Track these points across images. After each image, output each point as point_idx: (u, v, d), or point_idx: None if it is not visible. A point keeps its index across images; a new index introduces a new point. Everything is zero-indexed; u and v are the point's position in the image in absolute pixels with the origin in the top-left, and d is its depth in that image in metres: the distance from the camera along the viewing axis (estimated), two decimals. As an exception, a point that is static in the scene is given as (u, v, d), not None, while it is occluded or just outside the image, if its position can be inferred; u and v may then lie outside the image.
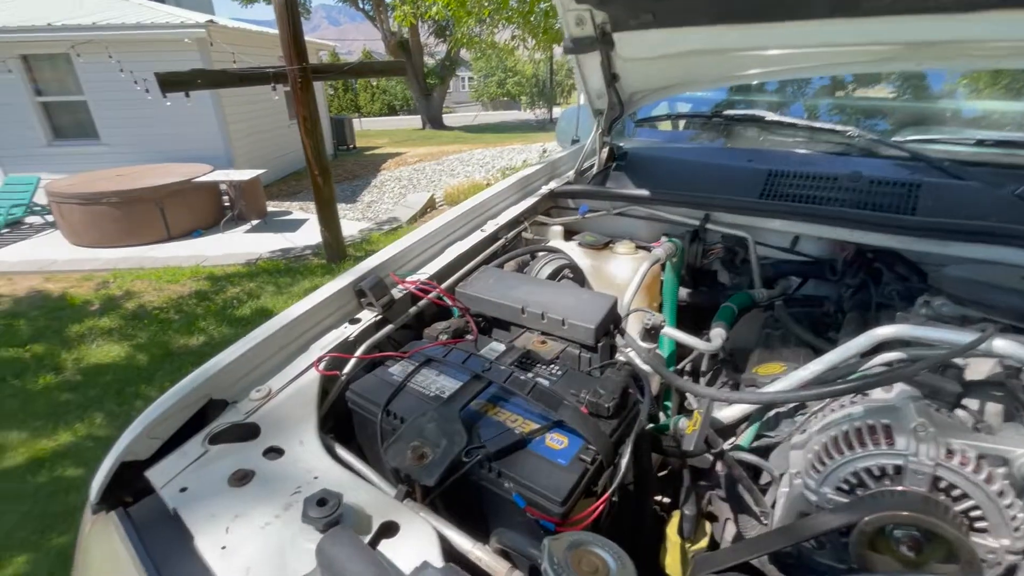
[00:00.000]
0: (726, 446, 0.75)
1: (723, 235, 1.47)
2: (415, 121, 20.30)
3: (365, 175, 10.76)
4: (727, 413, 0.88)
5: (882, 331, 0.82)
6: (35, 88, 8.90)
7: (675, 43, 1.37)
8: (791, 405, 0.84)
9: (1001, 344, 0.69)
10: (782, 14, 1.15)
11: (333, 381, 0.86)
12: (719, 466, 0.85)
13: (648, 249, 1.54)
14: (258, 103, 9.57)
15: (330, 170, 5.51)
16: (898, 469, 0.59)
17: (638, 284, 1.22)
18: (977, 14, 0.97)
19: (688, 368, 1.38)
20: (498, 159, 11.91)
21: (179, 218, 6.81)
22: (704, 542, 0.83)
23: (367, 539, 0.59)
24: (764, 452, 0.88)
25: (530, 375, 0.84)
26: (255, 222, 7.23)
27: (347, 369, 0.88)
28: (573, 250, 1.49)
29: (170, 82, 4.62)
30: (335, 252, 5.69)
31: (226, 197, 7.32)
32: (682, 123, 2.23)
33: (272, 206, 8.14)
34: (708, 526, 0.86)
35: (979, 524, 0.58)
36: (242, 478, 0.67)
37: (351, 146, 13.67)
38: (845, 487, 0.63)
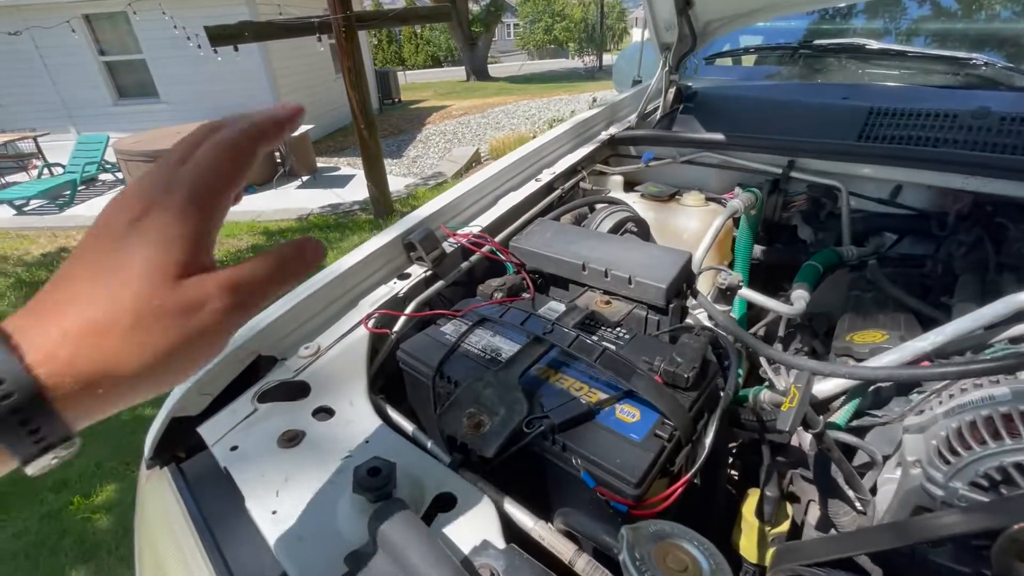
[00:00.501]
0: (825, 427, 0.65)
1: (809, 185, 1.29)
2: (459, 73, 19.80)
3: (410, 130, 10.67)
4: (822, 387, 0.77)
5: (1027, 297, 0.68)
6: (99, 48, 9.23)
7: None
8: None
9: None
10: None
11: (383, 339, 0.82)
12: (808, 446, 0.75)
13: (719, 201, 1.39)
14: (304, 57, 9.56)
15: (376, 124, 5.45)
16: (1063, 467, 0.48)
17: (712, 239, 1.09)
18: None
19: (761, 333, 1.26)
20: (544, 111, 11.49)
21: (235, 175, 7.00)
22: (785, 525, 0.75)
23: (422, 511, 0.54)
24: (861, 431, 0.77)
25: (595, 338, 0.76)
26: (305, 178, 7.36)
27: (397, 327, 0.83)
28: (635, 202, 1.37)
29: (218, 36, 4.62)
30: (382, 208, 5.71)
31: (277, 153, 7.44)
32: (752, 60, 1.98)
33: (321, 162, 8.25)
34: (789, 508, 0.78)
35: None
36: (292, 439, 0.64)
37: (396, 100, 13.54)
38: (984, 483, 0.53)
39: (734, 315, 1.19)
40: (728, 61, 1.84)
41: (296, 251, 0.38)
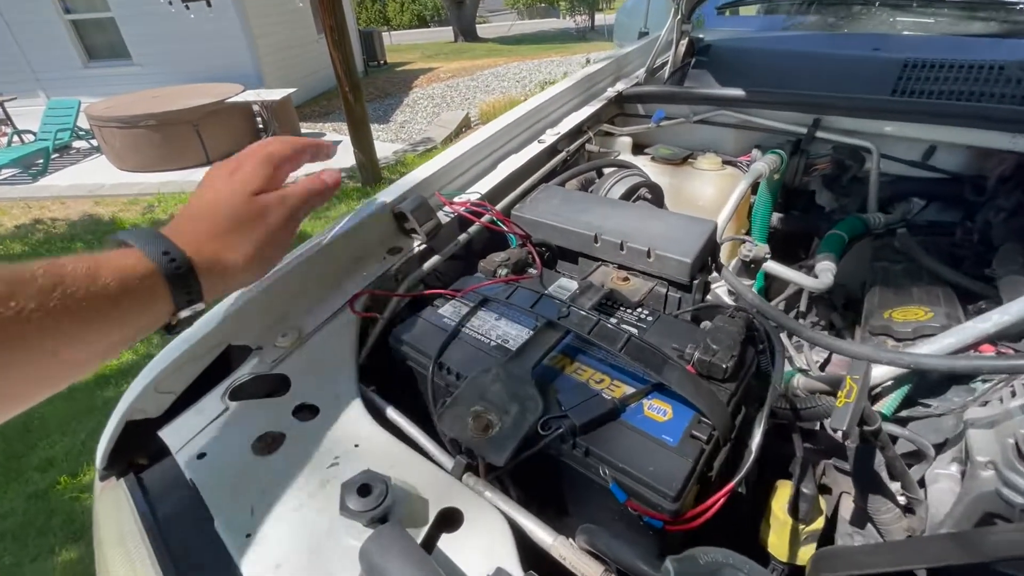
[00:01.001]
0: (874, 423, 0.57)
1: (834, 146, 1.19)
2: (447, 33, 19.03)
3: (397, 93, 10.28)
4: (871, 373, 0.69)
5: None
6: (64, 7, 8.68)
7: None
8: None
9: None
10: None
11: (372, 323, 0.72)
12: (851, 437, 0.67)
13: (735, 164, 1.28)
14: (284, 15, 9.08)
15: (361, 87, 5.20)
16: None
17: (735, 206, 0.99)
18: None
19: (781, 307, 1.18)
20: (535, 73, 11.11)
21: (216, 141, 6.72)
22: (820, 522, 0.68)
23: (422, 534, 0.46)
24: (904, 420, 0.70)
25: (614, 322, 0.67)
26: (289, 144, 7.07)
27: (388, 310, 0.73)
28: (645, 165, 1.26)
29: (189, -11, 4.30)
30: (369, 175, 5.52)
31: (259, 119, 7.14)
32: (768, 8, 1.83)
33: (305, 128, 7.94)
34: (823, 503, 0.71)
35: None
36: (269, 444, 0.55)
37: (382, 62, 13.01)
38: (1081, 493, 0.45)
39: (754, 288, 1.10)
40: (741, 11, 1.69)
41: (319, 180, 0.60)
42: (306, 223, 4.99)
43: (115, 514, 0.52)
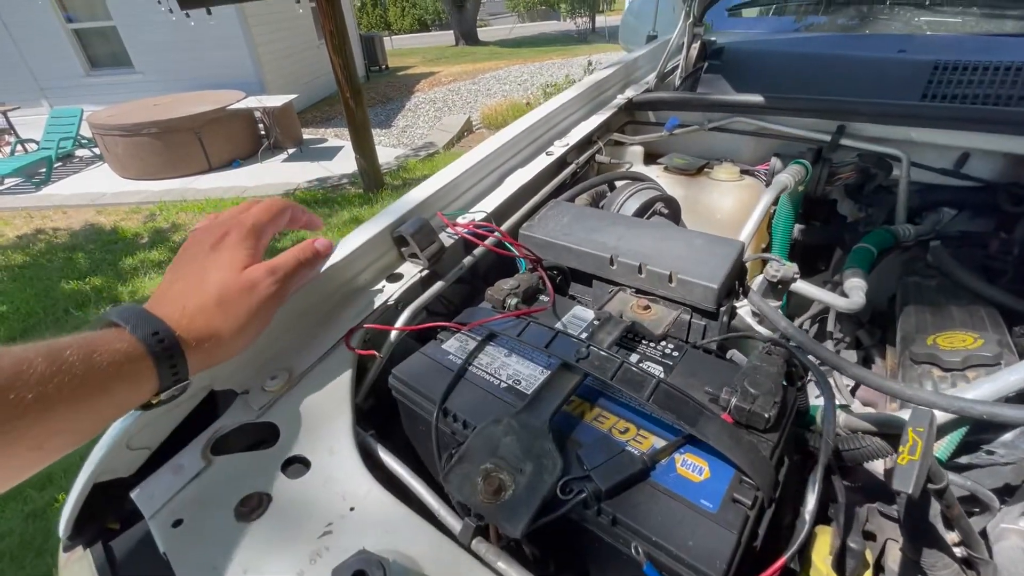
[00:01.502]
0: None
1: (859, 154, 1.12)
2: (448, 37, 19.04)
3: (398, 97, 10.27)
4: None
5: None
6: (66, 16, 8.71)
7: None
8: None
9: None
10: None
11: (371, 359, 0.66)
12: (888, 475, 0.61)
13: (753, 173, 1.22)
14: (285, 22, 9.08)
15: (362, 92, 5.16)
16: None
17: (759, 221, 0.93)
18: None
19: (806, 327, 1.11)
20: (537, 76, 11.08)
21: (218, 148, 6.71)
22: (867, 575, 0.62)
23: (427, 626, 0.39)
24: (962, 466, 0.63)
25: (635, 358, 0.61)
26: (291, 150, 7.06)
27: (387, 347, 0.67)
28: (658, 176, 1.20)
29: (188, -3, 4.28)
30: (372, 180, 5.47)
31: (261, 125, 7.12)
32: (782, 9, 1.77)
33: (307, 133, 7.92)
34: (869, 554, 0.64)
35: None
36: (254, 508, 0.49)
37: (383, 66, 13.01)
38: None
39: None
40: (755, 12, 1.63)
41: (310, 247, 0.60)
42: (317, 234, 4.99)
43: (80, 593, 0.46)
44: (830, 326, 1.07)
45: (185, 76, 8.58)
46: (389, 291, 0.72)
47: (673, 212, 1.01)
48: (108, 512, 0.52)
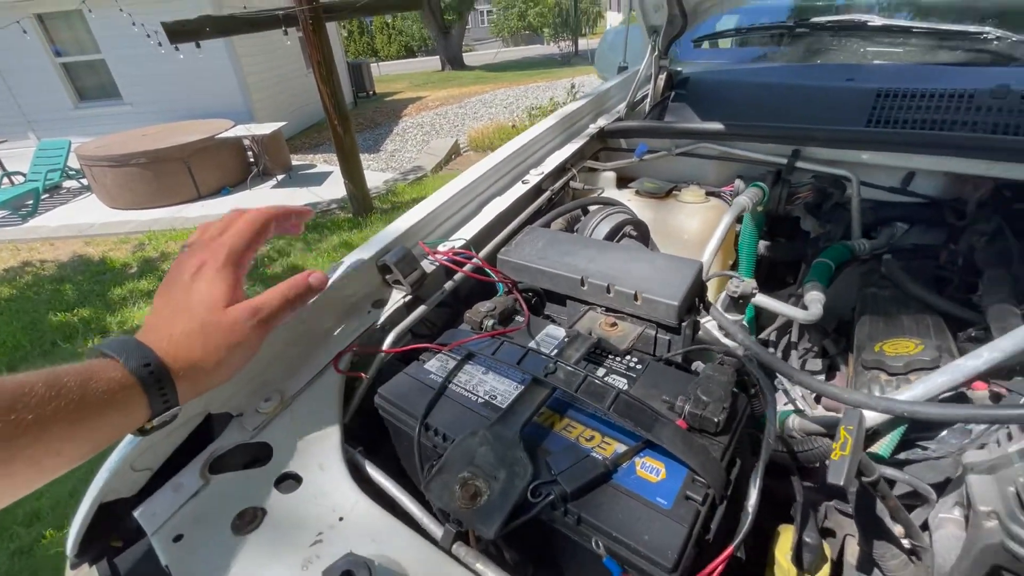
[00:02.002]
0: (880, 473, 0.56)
1: (815, 175, 1.21)
2: (434, 62, 19.43)
3: (386, 122, 10.43)
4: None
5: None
6: (54, 49, 8.80)
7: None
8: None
9: None
10: None
11: (358, 381, 0.71)
12: (852, 485, 0.66)
13: (718, 195, 1.29)
14: (273, 52, 9.24)
15: (350, 118, 5.26)
16: None
17: (719, 241, 1.00)
18: None
19: (772, 338, 1.18)
20: (522, 98, 11.32)
21: (207, 176, 6.76)
22: (825, 570, 0.66)
23: (410, 620, 0.44)
24: (902, 462, 0.69)
25: (602, 371, 0.66)
26: (280, 177, 7.13)
27: (373, 367, 0.72)
28: (630, 200, 1.27)
29: (178, 32, 4.38)
30: (361, 205, 5.54)
31: (250, 153, 7.19)
32: (742, 41, 1.88)
33: (296, 159, 8.01)
34: (828, 549, 0.69)
35: None
36: (250, 521, 0.53)
37: (370, 92, 13.22)
38: (1087, 547, 0.44)
39: (744, 321, 1.10)
40: (717, 44, 1.74)
41: (302, 282, 0.61)
42: (306, 257, 4.97)
43: (87, 607, 0.50)
44: (795, 336, 1.13)
45: (174, 107, 8.67)
46: (375, 315, 0.77)
47: (642, 234, 1.07)
48: (112, 530, 0.56)
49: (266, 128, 7.00)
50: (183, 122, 7.88)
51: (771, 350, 1.10)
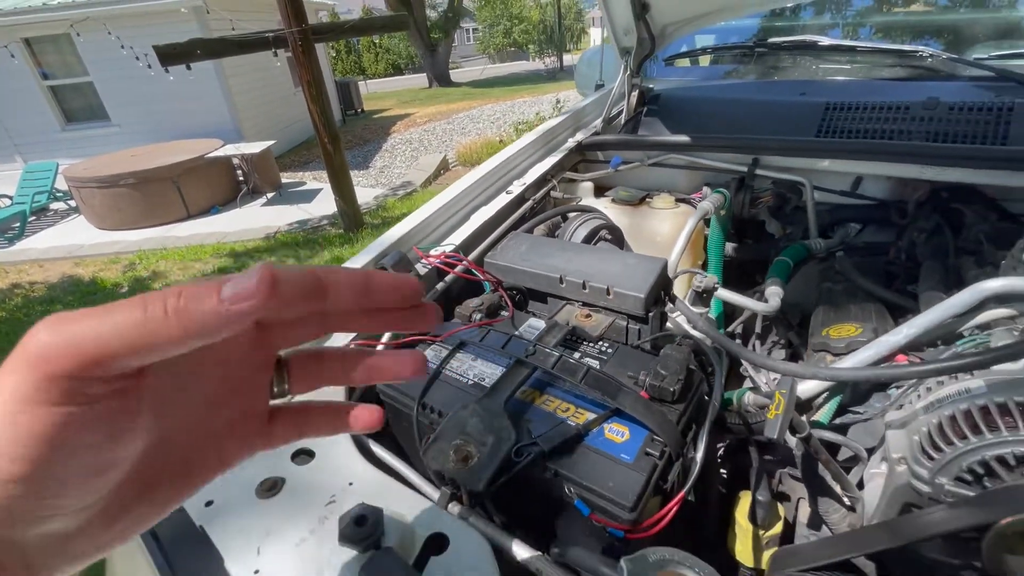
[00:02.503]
0: (811, 429, 0.66)
1: (774, 181, 1.32)
2: (421, 80, 19.68)
3: (375, 139, 10.55)
4: (803, 387, 0.78)
5: (992, 284, 0.70)
6: (41, 72, 8.83)
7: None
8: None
9: None
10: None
11: (361, 371, 0.79)
12: (795, 445, 0.75)
13: (689, 201, 1.40)
14: (262, 72, 9.35)
15: (339, 136, 5.36)
16: (1042, 458, 0.49)
17: (685, 243, 1.10)
18: None
19: (739, 330, 1.28)
20: (509, 114, 11.52)
21: (196, 195, 6.81)
22: (778, 527, 0.75)
23: (413, 558, 0.52)
24: (844, 427, 0.78)
25: (578, 355, 0.76)
26: (270, 195, 7.19)
27: (375, 357, 0.80)
28: (607, 207, 1.37)
29: (169, 55, 4.47)
30: (352, 221, 5.62)
31: (240, 171, 7.26)
32: (709, 60, 2.02)
33: (286, 177, 8.07)
34: (781, 509, 0.78)
35: None
36: (271, 488, 0.61)
37: (359, 110, 13.37)
38: (969, 478, 0.53)
39: (712, 315, 1.19)
40: (687, 62, 1.87)
41: None
42: None
43: (130, 563, 0.57)
44: (758, 328, 1.23)
45: (163, 127, 8.72)
46: (374, 314, 0.86)
47: (616, 238, 1.17)
48: (148, 502, 0.63)
49: (255, 147, 7.08)
50: (171, 142, 7.93)
51: (737, 341, 1.20)
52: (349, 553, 0.51)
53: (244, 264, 5.24)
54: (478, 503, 0.62)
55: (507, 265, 0.96)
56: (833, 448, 0.77)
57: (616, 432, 0.62)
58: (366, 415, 0.35)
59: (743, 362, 1.06)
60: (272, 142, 7.32)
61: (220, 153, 6.94)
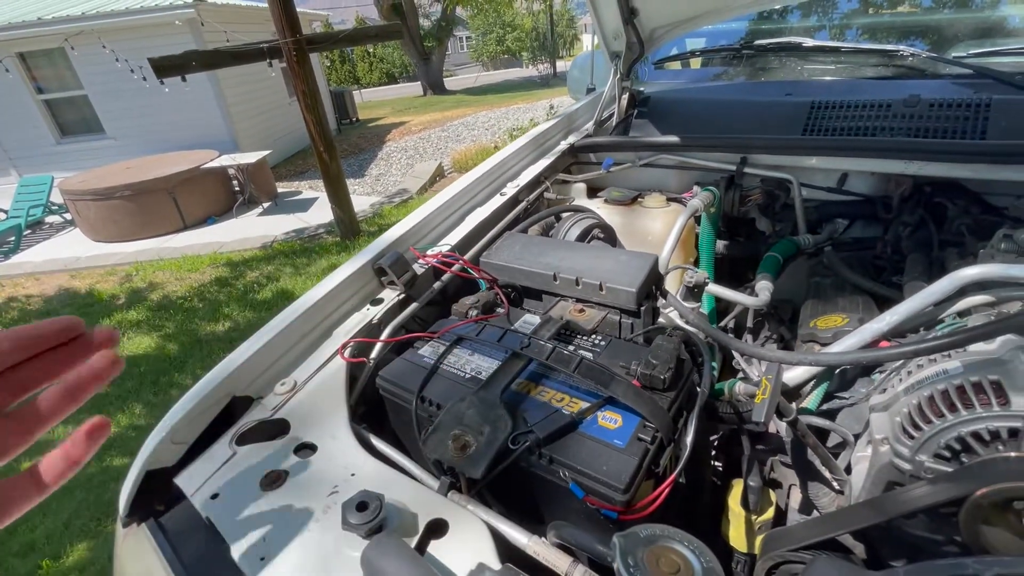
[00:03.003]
0: (798, 414, 0.68)
1: (762, 179, 1.35)
2: (416, 88, 19.79)
3: (370, 148, 10.59)
4: (791, 375, 0.80)
5: (969, 272, 0.72)
6: (36, 86, 8.85)
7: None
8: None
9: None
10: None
11: (361, 368, 0.81)
12: (784, 432, 0.78)
13: (680, 200, 1.43)
14: (257, 82, 9.39)
15: (335, 145, 5.40)
16: (1014, 432, 0.52)
17: (676, 240, 1.12)
18: None
19: (731, 325, 1.30)
20: (503, 120, 11.58)
21: (192, 206, 6.82)
22: (770, 512, 0.77)
23: (414, 542, 0.54)
24: (832, 413, 0.80)
25: (572, 348, 0.78)
26: (266, 204, 7.21)
27: (374, 354, 0.82)
28: (599, 207, 1.40)
29: (164, 67, 4.50)
30: (348, 229, 5.64)
31: (235, 182, 7.28)
32: (699, 62, 2.06)
33: (281, 187, 8.10)
34: (773, 495, 0.80)
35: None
36: (275, 480, 0.62)
37: (354, 119, 13.42)
38: (947, 454, 0.56)
39: (704, 310, 1.22)
40: (676, 65, 1.90)
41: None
42: (295, 281, 5.03)
43: (139, 556, 0.59)
44: (749, 323, 1.26)
45: (158, 139, 8.74)
46: (373, 312, 0.88)
47: (609, 237, 1.20)
48: (155, 496, 0.65)
49: (251, 157, 7.11)
50: (167, 154, 7.95)
51: (729, 335, 1.22)
52: (352, 538, 0.52)
53: (241, 274, 5.25)
54: (477, 491, 0.64)
55: (502, 264, 0.98)
56: (822, 434, 0.80)
57: (609, 420, 0.64)
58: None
59: (735, 355, 1.08)
60: (268, 152, 7.35)
61: (216, 164, 6.96)
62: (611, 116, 1.63)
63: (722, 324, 1.28)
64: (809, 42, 1.49)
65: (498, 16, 23.52)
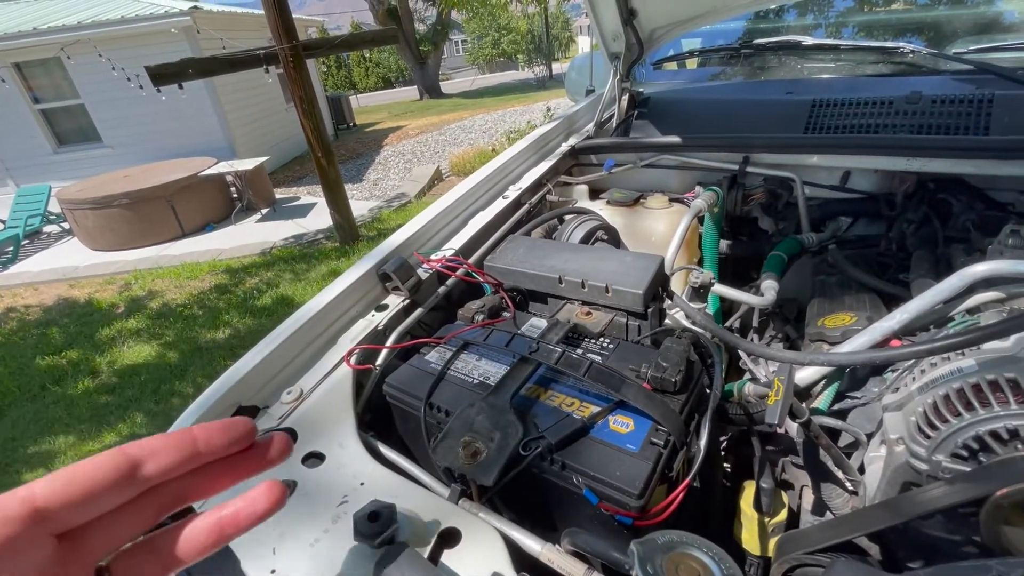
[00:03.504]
0: (810, 415, 0.67)
1: (765, 178, 1.34)
2: (412, 92, 19.81)
3: (368, 152, 10.59)
4: (802, 375, 0.79)
5: (978, 268, 0.72)
6: (33, 96, 8.85)
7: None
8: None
9: None
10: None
11: (367, 375, 0.80)
12: (795, 433, 0.77)
13: (682, 201, 1.43)
14: (253, 89, 9.39)
15: (332, 151, 5.39)
16: (1033, 430, 0.51)
17: (680, 240, 1.12)
18: None
19: (736, 325, 1.29)
20: (500, 123, 11.60)
21: (190, 214, 6.81)
22: (783, 514, 0.76)
23: (427, 552, 0.53)
24: (843, 413, 0.80)
25: (580, 351, 0.77)
26: (265, 211, 7.20)
27: (380, 361, 0.81)
28: (602, 209, 1.39)
29: (161, 75, 4.50)
30: (348, 234, 5.63)
31: (233, 188, 7.27)
32: (697, 62, 2.06)
33: (280, 193, 8.09)
34: (785, 497, 0.79)
35: None
36: (283, 491, 0.61)
37: (351, 124, 13.44)
38: (965, 454, 0.55)
39: (709, 310, 1.21)
40: (675, 65, 1.90)
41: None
42: (295, 287, 5.02)
43: (147, 570, 0.58)
44: (755, 322, 1.25)
45: (155, 147, 8.74)
46: (378, 318, 0.87)
47: (612, 238, 1.19)
48: (162, 509, 0.64)
49: (248, 163, 7.10)
50: (164, 162, 7.94)
51: (737, 336, 1.21)
52: (364, 549, 0.52)
53: (241, 281, 5.24)
54: (488, 497, 0.63)
55: (507, 267, 0.98)
56: (834, 434, 0.79)
57: (621, 424, 0.63)
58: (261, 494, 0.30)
59: (742, 355, 1.07)
60: (265, 158, 7.34)
61: (214, 171, 6.95)
62: (611, 117, 1.63)
63: (727, 324, 1.27)
64: (809, 40, 1.49)
65: (493, 19, 23.57)
